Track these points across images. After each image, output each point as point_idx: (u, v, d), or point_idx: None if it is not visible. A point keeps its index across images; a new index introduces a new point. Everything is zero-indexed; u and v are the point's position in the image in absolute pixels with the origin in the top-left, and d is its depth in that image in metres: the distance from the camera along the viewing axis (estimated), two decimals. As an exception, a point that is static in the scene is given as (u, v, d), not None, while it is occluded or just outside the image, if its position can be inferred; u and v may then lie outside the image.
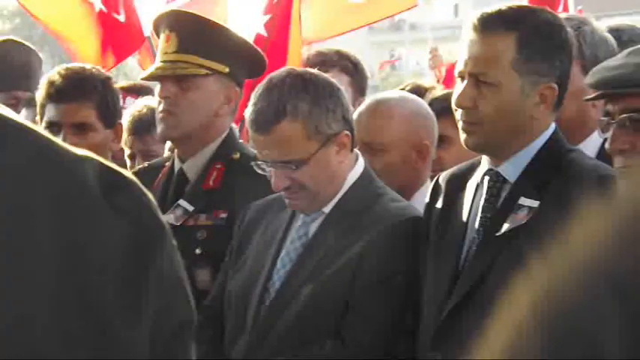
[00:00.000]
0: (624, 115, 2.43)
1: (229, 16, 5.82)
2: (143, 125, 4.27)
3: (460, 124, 2.80)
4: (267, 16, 5.23)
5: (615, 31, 3.60)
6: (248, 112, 3.02)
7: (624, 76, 2.44)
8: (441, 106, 3.58)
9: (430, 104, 3.61)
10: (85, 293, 0.97)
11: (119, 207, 1.01)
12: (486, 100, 2.74)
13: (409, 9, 6.07)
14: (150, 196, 1.09)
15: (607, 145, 2.49)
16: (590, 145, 3.29)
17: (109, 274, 0.99)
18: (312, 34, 5.72)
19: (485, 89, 2.74)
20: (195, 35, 3.45)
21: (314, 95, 2.98)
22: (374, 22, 6.43)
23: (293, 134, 2.98)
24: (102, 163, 1.04)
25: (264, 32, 5.20)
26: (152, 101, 4.01)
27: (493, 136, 2.76)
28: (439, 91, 4.08)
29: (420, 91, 4.23)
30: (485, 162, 2.85)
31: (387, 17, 6.49)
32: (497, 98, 2.74)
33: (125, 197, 1.03)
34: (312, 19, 5.67)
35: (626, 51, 2.51)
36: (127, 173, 1.07)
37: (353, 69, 4.66)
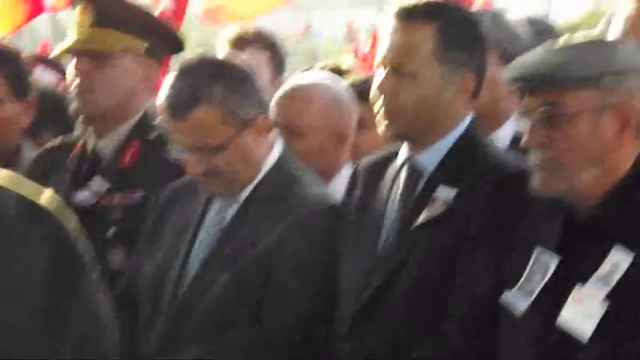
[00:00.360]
0: (542, 109, 2.45)
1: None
2: None
3: (379, 113, 2.82)
4: None
5: (529, 22, 3.66)
6: (161, 99, 2.99)
7: (544, 70, 2.46)
8: (360, 90, 3.59)
9: (350, 86, 3.64)
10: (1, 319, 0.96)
11: (38, 237, 1.00)
12: (406, 90, 2.77)
13: None
14: (68, 226, 1.06)
15: (523, 139, 2.50)
16: (503, 135, 3.34)
17: (26, 302, 0.99)
18: (239, 14, 5.70)
19: (405, 78, 2.77)
20: (112, 9, 3.39)
21: (228, 81, 2.98)
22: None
23: (208, 120, 2.97)
24: (19, 194, 1.02)
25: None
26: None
27: (412, 126, 2.79)
28: (357, 74, 4.09)
29: (338, 71, 4.23)
30: (403, 151, 2.87)
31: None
32: (418, 87, 2.77)
33: (43, 228, 1.01)
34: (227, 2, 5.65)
35: (545, 45, 2.55)
36: (45, 203, 1.05)
37: (271, 46, 4.65)
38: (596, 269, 2.35)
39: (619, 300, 2.31)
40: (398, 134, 2.83)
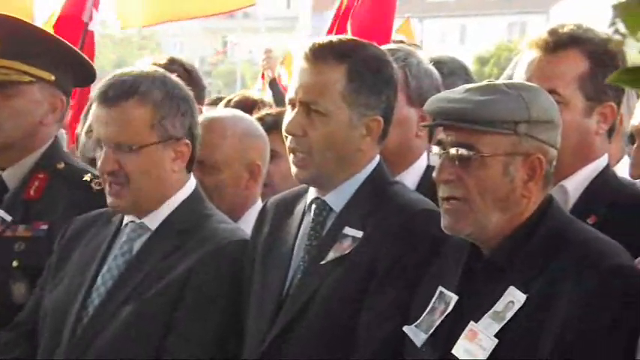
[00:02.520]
0: (454, 150, 2.51)
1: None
2: None
3: (291, 158, 2.87)
4: None
5: (437, 63, 3.72)
6: (98, 87, 3.03)
7: (462, 110, 2.51)
8: (271, 122, 3.66)
9: (260, 119, 3.68)
10: None
11: None
12: (316, 129, 2.81)
13: (246, 7, 6.11)
14: None
15: (434, 174, 2.57)
16: (413, 173, 3.40)
17: None
18: (142, 19, 5.69)
19: (315, 118, 2.81)
20: (19, 40, 3.41)
21: (170, 89, 3.04)
22: (208, 16, 6.44)
23: (136, 117, 3.01)
24: None
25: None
26: None
27: (323, 168, 2.83)
28: (268, 107, 4.14)
29: (248, 102, 4.29)
30: (312, 190, 2.94)
31: (223, 13, 6.52)
32: (327, 127, 2.81)
33: None
34: (142, 4, 5.63)
35: (465, 86, 2.60)
36: None
37: (187, 76, 4.62)
38: (491, 307, 2.47)
39: (510, 336, 2.43)
40: (310, 178, 2.87)
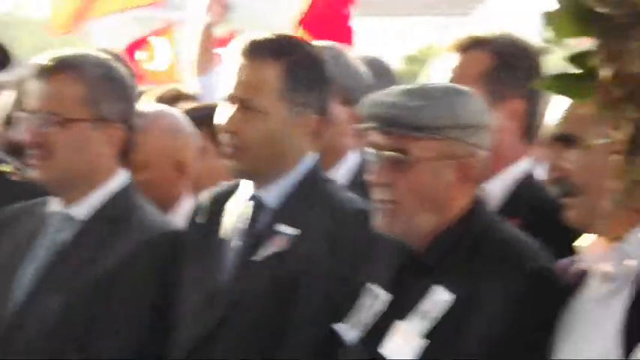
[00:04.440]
0: (387, 153, 2.57)
1: None
2: None
3: (224, 150, 2.90)
4: None
5: (368, 63, 3.78)
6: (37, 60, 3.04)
7: (396, 116, 2.57)
8: (199, 117, 3.64)
9: (188, 113, 3.67)
10: None
11: None
12: (252, 126, 2.84)
13: None
14: None
15: (368, 177, 2.62)
16: (342, 171, 3.46)
17: None
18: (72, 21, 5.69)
19: (251, 115, 2.84)
20: None
21: (109, 71, 3.04)
22: (139, 7, 6.45)
23: (69, 89, 3.00)
24: None
25: None
26: None
27: (257, 163, 2.86)
28: (198, 102, 4.17)
29: (177, 96, 4.29)
30: (247, 186, 2.95)
31: (153, 3, 6.55)
32: (263, 125, 2.84)
33: None
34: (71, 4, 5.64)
35: (399, 88, 2.65)
36: None
37: None
38: (420, 307, 2.52)
39: (437, 336, 2.49)
40: (243, 172, 2.90)
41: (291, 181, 2.90)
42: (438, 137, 2.56)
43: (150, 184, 3.34)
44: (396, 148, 2.56)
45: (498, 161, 2.87)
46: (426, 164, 2.56)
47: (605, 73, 1.72)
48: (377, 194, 2.60)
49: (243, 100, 2.84)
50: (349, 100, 3.46)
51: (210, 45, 5.48)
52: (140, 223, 3.00)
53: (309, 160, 2.94)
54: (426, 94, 2.60)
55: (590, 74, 1.78)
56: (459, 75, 2.94)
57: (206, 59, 5.40)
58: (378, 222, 2.60)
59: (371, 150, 2.62)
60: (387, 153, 2.58)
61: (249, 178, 2.92)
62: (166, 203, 3.39)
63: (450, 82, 2.89)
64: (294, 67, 2.86)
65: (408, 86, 2.66)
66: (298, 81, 2.86)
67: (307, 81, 2.88)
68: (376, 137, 2.60)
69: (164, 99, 4.28)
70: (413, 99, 2.58)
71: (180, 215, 3.30)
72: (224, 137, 2.89)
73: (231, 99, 2.87)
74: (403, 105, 2.57)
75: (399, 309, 2.56)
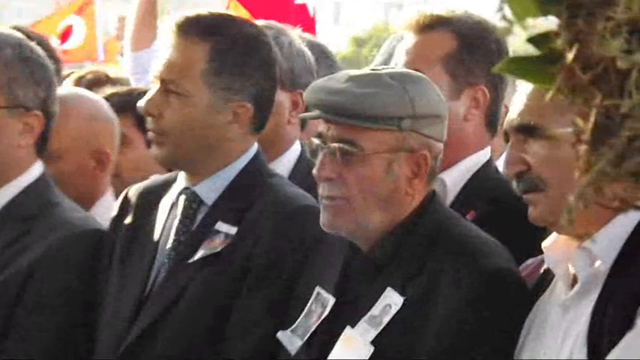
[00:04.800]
0: (335, 145, 2.49)
1: None
2: None
3: (149, 134, 2.83)
4: None
5: (309, 45, 3.67)
6: None
7: (344, 104, 2.49)
8: (122, 102, 3.52)
9: (109, 99, 3.53)
10: None
11: None
12: (173, 110, 2.76)
13: None
14: None
15: (314, 171, 2.55)
16: (285, 163, 3.35)
17: None
18: None
19: (173, 98, 2.77)
20: None
21: (25, 52, 2.93)
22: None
23: None
24: None
25: None
26: None
27: (182, 151, 2.78)
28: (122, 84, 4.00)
29: (103, 79, 4.09)
30: (182, 179, 2.88)
31: None
32: (184, 110, 2.76)
33: None
34: None
35: (347, 74, 2.56)
36: None
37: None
38: (369, 311, 2.48)
39: (387, 342, 2.44)
40: (167, 159, 2.82)
41: (229, 174, 2.81)
42: (390, 128, 2.48)
43: (65, 177, 3.20)
44: (344, 139, 2.50)
45: (458, 151, 2.83)
46: (378, 158, 2.49)
47: (569, 55, 1.64)
48: (323, 190, 2.53)
49: (166, 82, 2.77)
50: (291, 85, 3.34)
51: (148, 17, 5.27)
52: (56, 221, 2.89)
53: (250, 152, 2.84)
54: (377, 80, 2.52)
55: (553, 57, 1.71)
56: (417, 58, 2.88)
57: (142, 34, 5.22)
58: (325, 220, 2.54)
59: (316, 141, 2.55)
60: (333, 145, 2.50)
61: (175, 167, 2.87)
62: (84, 199, 3.22)
63: (405, 66, 2.84)
64: (223, 47, 2.76)
65: (357, 72, 2.58)
66: (225, 63, 2.76)
67: (237, 64, 2.78)
68: (322, 127, 2.54)
69: (84, 82, 4.06)
70: (362, 86, 2.51)
71: (101, 212, 3.15)
72: (148, 121, 2.81)
73: (157, 80, 2.80)
74: (352, 92, 2.49)
75: (347, 313, 2.51)
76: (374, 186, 2.50)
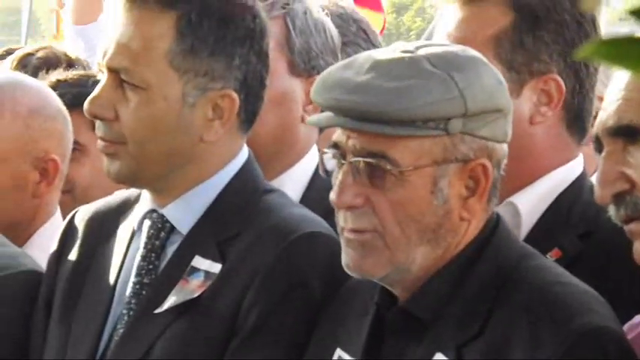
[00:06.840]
0: (359, 159, 2.26)
1: None
2: None
3: (99, 143, 2.57)
4: None
5: (335, 13, 3.38)
6: None
7: (368, 105, 2.24)
8: (72, 95, 3.26)
9: (55, 87, 3.28)
10: None
11: None
12: (130, 109, 2.50)
13: None
14: None
15: (331, 196, 2.29)
16: (298, 176, 3.04)
17: None
18: None
19: (130, 93, 2.50)
20: None
21: None
22: None
23: None
24: None
25: None
26: None
27: (143, 164, 2.52)
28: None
29: (57, 59, 3.79)
30: (146, 199, 2.61)
31: None
32: (146, 107, 2.50)
33: None
34: None
35: (367, 58, 2.30)
36: None
37: None
38: None
39: None
40: (124, 175, 2.56)
41: (211, 193, 2.56)
42: (435, 133, 2.25)
43: None
44: (371, 151, 2.26)
45: (529, 167, 2.61)
46: (418, 174, 2.27)
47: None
48: (346, 221, 2.29)
49: (117, 71, 2.50)
50: (306, 70, 3.02)
51: None
52: None
53: (237, 161, 2.58)
54: (413, 67, 2.26)
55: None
56: (458, 41, 2.55)
57: (87, 3, 5.05)
58: (350, 260, 2.29)
59: (333, 154, 2.31)
60: (356, 159, 2.26)
61: (137, 185, 2.60)
62: (22, 222, 3.06)
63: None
64: (194, 17, 2.50)
65: (383, 54, 2.31)
66: (200, 40, 2.50)
67: (217, 40, 2.51)
68: (341, 136, 2.28)
69: (32, 63, 3.76)
70: (393, 76, 2.26)
71: (46, 242, 2.90)
72: (98, 126, 2.56)
73: (104, 67, 2.52)
74: (379, 87, 2.25)
75: None
76: (415, 213, 2.28)
